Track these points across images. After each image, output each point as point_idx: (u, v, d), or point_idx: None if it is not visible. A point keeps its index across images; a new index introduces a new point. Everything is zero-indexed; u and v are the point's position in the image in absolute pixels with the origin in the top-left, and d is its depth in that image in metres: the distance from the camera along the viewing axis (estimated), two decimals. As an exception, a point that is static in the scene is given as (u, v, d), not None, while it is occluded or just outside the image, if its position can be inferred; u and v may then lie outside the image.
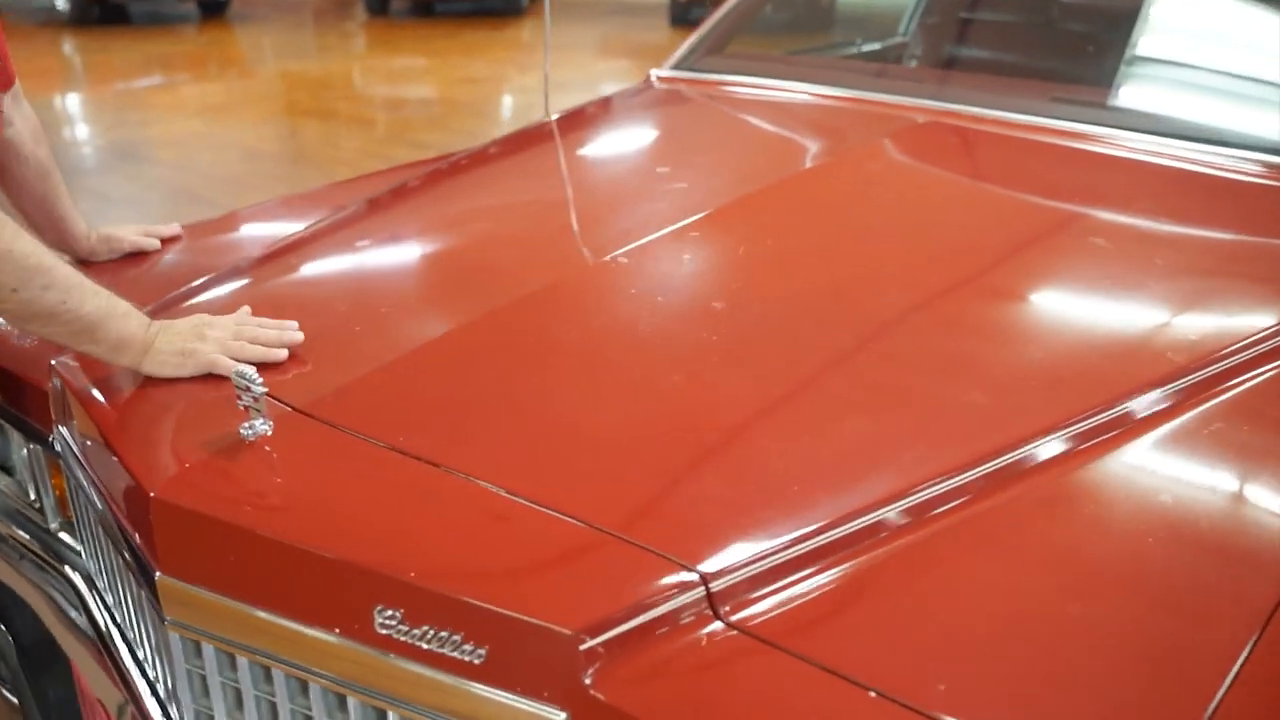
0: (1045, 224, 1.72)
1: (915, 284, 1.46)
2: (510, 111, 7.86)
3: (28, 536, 1.55)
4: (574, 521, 1.00)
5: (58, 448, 1.40)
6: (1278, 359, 1.30)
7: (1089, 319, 1.42)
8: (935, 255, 1.57)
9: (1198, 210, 1.77)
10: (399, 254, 1.68)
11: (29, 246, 1.19)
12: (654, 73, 2.66)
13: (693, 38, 2.74)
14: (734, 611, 0.95)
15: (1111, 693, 0.86)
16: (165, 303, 1.47)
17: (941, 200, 1.81)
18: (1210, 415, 1.20)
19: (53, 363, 1.39)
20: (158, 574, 1.07)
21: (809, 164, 1.98)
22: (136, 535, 1.11)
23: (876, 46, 3.30)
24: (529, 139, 2.27)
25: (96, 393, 1.28)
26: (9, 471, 1.61)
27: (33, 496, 1.55)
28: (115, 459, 1.16)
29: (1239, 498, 1.11)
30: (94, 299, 1.24)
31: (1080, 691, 0.86)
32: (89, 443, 1.26)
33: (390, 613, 0.96)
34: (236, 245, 1.82)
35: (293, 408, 1.17)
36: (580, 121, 2.40)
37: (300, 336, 1.30)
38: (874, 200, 1.78)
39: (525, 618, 0.91)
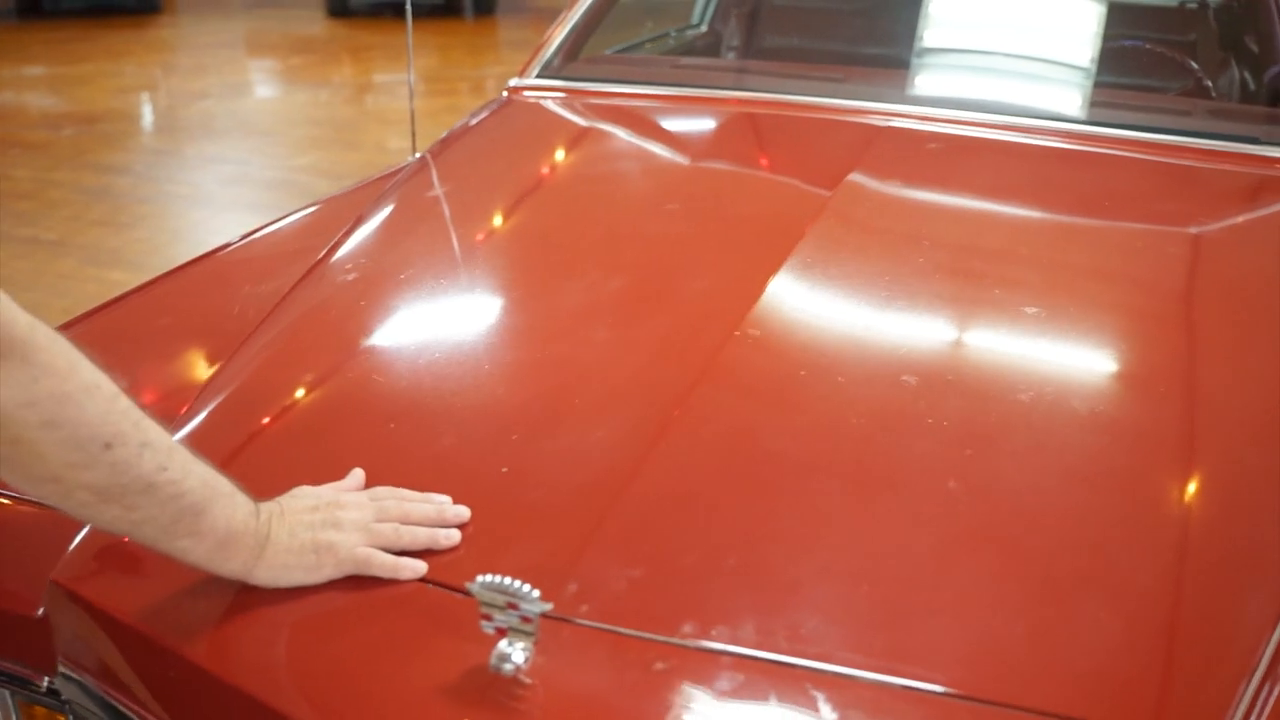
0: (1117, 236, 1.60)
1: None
2: (194, 123, 7.10)
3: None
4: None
5: (66, 698, 1.00)
6: None
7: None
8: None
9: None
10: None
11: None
12: (514, 82, 2.36)
13: (551, 44, 2.46)
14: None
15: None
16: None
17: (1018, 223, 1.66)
18: None
19: (54, 579, 0.98)
20: None
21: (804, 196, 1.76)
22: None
23: (699, 32, 3.15)
24: (424, 186, 1.88)
25: (169, 619, 0.90)
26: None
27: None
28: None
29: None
30: (198, 469, 0.86)
31: None
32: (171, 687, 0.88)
33: None
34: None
35: (556, 616, 0.85)
36: (475, 156, 2.06)
37: (465, 512, 0.96)
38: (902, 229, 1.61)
39: None
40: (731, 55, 3.15)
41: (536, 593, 0.78)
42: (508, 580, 0.78)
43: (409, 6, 2.35)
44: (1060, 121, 1.95)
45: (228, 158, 6.19)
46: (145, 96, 8.10)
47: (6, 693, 1.06)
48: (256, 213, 5.15)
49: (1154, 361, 1.26)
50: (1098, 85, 2.13)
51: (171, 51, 10.00)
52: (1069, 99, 2.13)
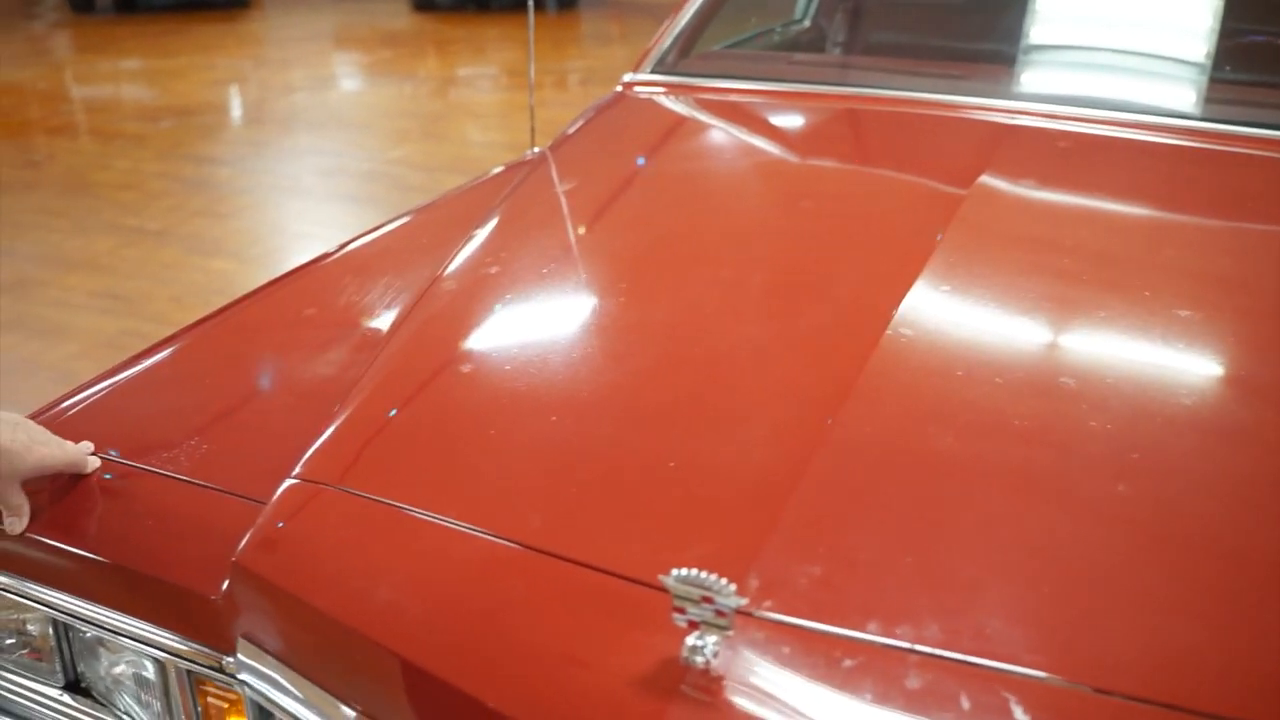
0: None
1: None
2: (286, 115, 7.23)
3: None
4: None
5: (243, 677, 1.03)
6: None
7: None
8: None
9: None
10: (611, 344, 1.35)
11: None
12: (627, 77, 2.38)
13: (664, 40, 2.47)
14: None
15: None
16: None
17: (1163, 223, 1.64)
18: None
19: (237, 561, 1.01)
20: None
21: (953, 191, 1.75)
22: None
23: (803, 28, 3.14)
24: (552, 183, 1.91)
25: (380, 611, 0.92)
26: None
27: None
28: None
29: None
30: None
31: None
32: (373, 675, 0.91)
33: None
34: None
35: (744, 610, 0.86)
36: (598, 151, 2.08)
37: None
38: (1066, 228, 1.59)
39: None
40: (836, 51, 3.14)
41: (733, 587, 0.79)
42: (703, 574, 0.79)
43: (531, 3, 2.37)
44: (1189, 120, 1.91)
45: (322, 149, 6.30)
46: (237, 89, 8.25)
47: (184, 670, 1.10)
48: (355, 204, 5.24)
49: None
50: (1225, 81, 2.09)
51: (261, 45, 10.19)
52: (1193, 95, 2.09)
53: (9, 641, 1.26)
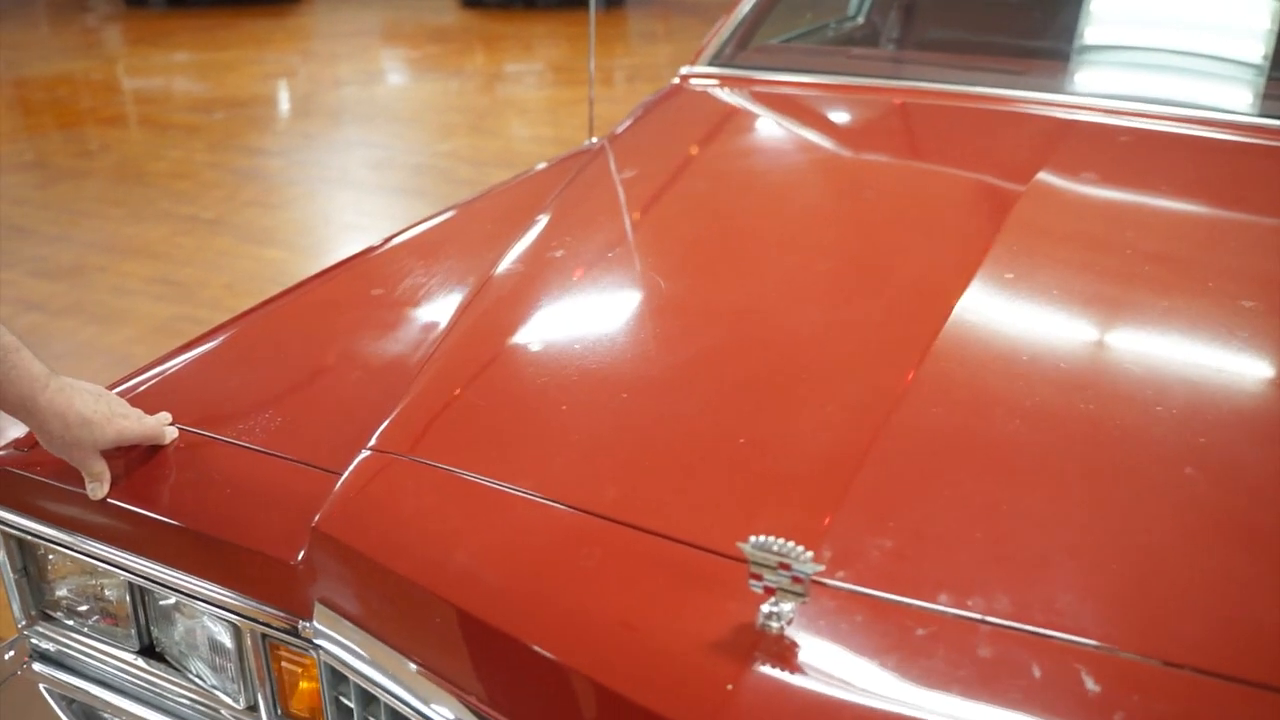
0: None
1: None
2: (335, 108, 7.30)
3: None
4: None
5: (319, 642, 1.05)
6: None
7: None
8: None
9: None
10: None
11: None
12: (684, 70, 2.39)
13: (721, 34, 2.48)
14: None
15: None
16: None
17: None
18: None
19: (317, 527, 1.04)
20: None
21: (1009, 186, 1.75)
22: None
23: (856, 24, 3.14)
24: (611, 172, 1.93)
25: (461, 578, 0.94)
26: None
27: (240, 703, 1.18)
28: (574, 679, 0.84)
29: None
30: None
31: None
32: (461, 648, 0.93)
33: None
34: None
35: (817, 579, 0.87)
36: (656, 141, 2.09)
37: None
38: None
39: None
40: (890, 47, 3.14)
41: (809, 554, 0.80)
42: (780, 541, 0.81)
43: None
44: (1250, 116, 1.91)
45: (372, 142, 6.36)
46: (287, 83, 8.35)
47: (259, 634, 1.13)
48: (404, 196, 5.29)
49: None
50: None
51: (310, 39, 10.28)
52: (1253, 91, 2.08)
53: (86, 607, 1.29)
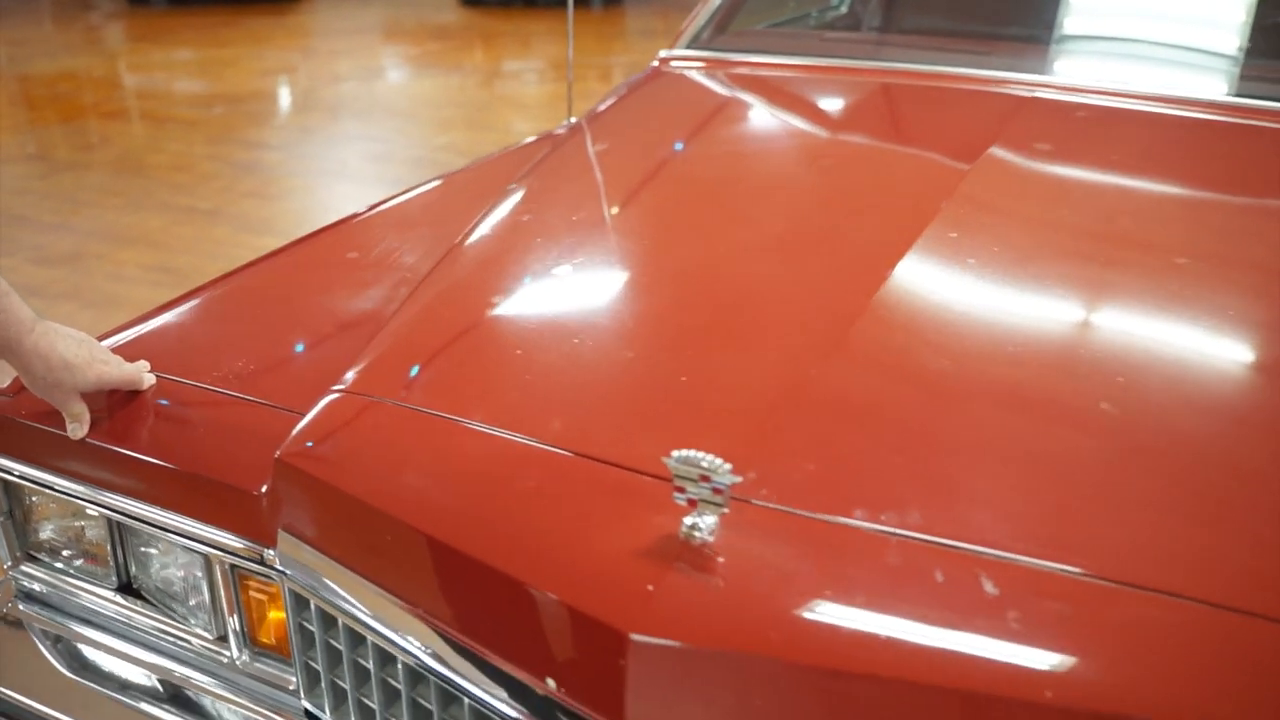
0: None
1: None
2: (334, 104, 7.37)
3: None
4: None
5: (281, 567, 1.12)
6: None
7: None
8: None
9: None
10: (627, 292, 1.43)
11: None
12: (663, 53, 2.45)
13: (699, 18, 2.54)
14: None
15: None
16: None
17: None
18: None
19: (280, 457, 1.10)
20: (628, 727, 0.83)
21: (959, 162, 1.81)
22: (560, 685, 0.87)
23: (839, 14, 3.20)
24: (586, 144, 2.00)
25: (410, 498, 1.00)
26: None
27: (212, 634, 1.25)
28: (510, 581, 0.90)
29: None
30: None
31: None
32: (411, 561, 0.99)
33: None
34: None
35: (739, 497, 0.93)
36: (630, 118, 2.15)
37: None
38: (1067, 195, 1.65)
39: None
40: (872, 35, 3.20)
41: (728, 466, 0.86)
42: (701, 455, 0.87)
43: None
44: (1215, 95, 1.96)
45: (370, 136, 6.43)
46: (287, 79, 8.41)
47: (229, 565, 1.19)
48: (401, 188, 5.34)
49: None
50: (1251, 60, 2.13)
51: (310, 37, 10.35)
52: (1222, 73, 2.13)
53: (68, 552, 1.35)
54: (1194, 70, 2.20)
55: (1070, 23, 2.43)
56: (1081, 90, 1.97)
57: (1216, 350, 1.20)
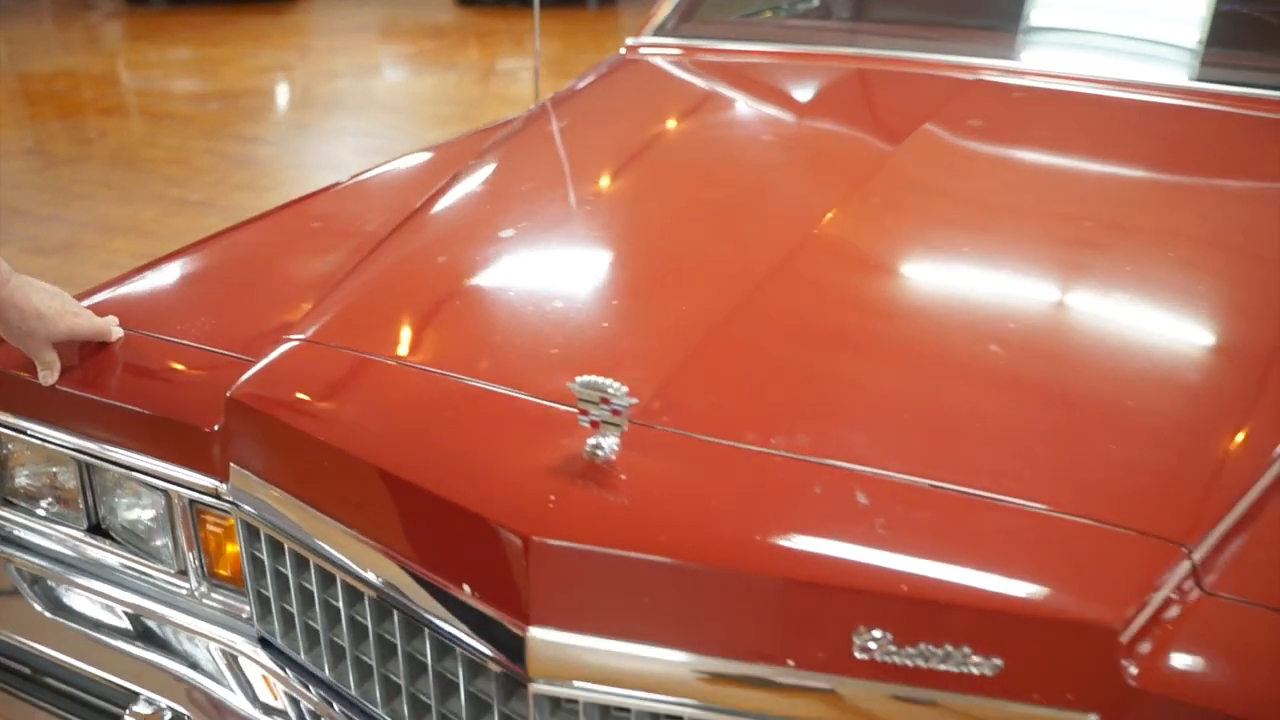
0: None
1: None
2: (329, 100, 7.47)
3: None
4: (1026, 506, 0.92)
5: (234, 499, 1.21)
6: None
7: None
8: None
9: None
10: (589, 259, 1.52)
11: None
12: (630, 40, 2.54)
13: (667, 6, 2.63)
14: (1217, 580, 0.89)
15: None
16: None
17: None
18: None
19: (232, 395, 1.19)
20: (530, 631, 0.93)
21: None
22: (474, 590, 0.96)
23: (811, 6, 3.29)
24: (546, 123, 2.09)
25: (344, 424, 1.10)
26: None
27: (173, 568, 1.34)
28: (426, 497, 0.99)
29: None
30: None
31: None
32: (346, 484, 1.08)
33: (874, 634, 0.86)
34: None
35: (641, 422, 1.02)
36: (592, 100, 2.25)
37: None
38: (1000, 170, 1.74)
39: (1060, 617, 0.83)
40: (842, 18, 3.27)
41: (625, 389, 0.95)
42: (601, 379, 0.96)
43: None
44: (1166, 80, 2.03)
45: (362, 131, 6.52)
46: (282, 76, 8.50)
47: (187, 500, 1.28)
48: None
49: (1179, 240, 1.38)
50: (1204, 48, 2.20)
51: (306, 35, 10.45)
52: (1186, 61, 2.18)
53: (43, 500, 1.44)
54: (1150, 60, 2.26)
55: (1036, 14, 2.50)
56: (1031, 74, 2.05)
57: (1104, 302, 1.29)
